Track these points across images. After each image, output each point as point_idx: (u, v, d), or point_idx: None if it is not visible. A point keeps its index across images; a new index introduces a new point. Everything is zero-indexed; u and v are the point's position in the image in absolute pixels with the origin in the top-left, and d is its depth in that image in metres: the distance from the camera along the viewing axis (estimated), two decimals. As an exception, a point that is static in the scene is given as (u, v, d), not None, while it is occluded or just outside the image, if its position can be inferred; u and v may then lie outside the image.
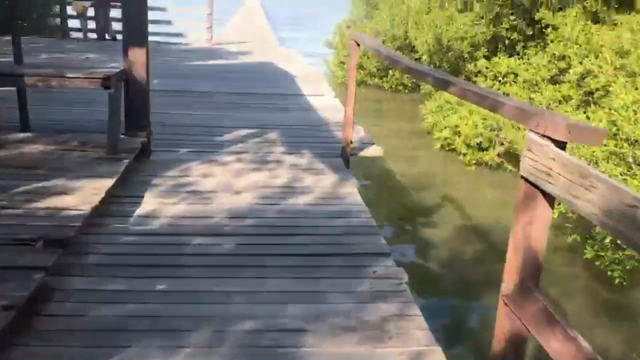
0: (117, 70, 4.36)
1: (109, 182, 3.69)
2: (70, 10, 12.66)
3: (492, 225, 6.88)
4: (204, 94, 7.59)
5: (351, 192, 4.15)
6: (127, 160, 4.12)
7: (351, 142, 4.99)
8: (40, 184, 3.60)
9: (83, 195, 3.47)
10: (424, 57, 13.98)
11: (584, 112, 9.26)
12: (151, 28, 13.17)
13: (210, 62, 10.54)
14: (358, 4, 18.49)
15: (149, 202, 3.79)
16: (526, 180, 1.76)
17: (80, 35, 12.93)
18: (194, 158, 4.75)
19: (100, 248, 3.13)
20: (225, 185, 4.17)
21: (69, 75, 4.04)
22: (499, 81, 11.32)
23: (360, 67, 17.09)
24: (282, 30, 35.55)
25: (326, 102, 7.35)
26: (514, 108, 1.87)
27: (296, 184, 4.28)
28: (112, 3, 12.61)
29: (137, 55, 4.48)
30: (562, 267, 6.09)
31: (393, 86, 16.60)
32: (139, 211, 3.64)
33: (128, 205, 3.71)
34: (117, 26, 13.65)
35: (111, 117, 4.21)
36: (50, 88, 4.28)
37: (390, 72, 16.65)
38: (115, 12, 13.40)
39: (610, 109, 6.43)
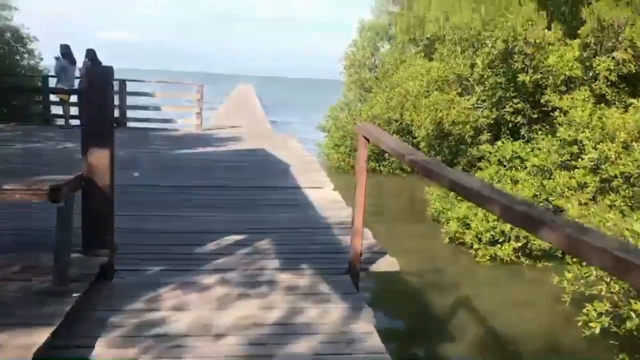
0: (71, 176, 3.46)
1: (45, 333, 2.72)
2: (53, 96, 12.02)
3: (515, 332, 5.90)
4: (189, 189, 6.73)
5: (368, 333, 3.18)
6: (76, 295, 3.17)
7: (361, 255, 4.08)
8: (-51, 339, 2.63)
9: (6, 357, 2.49)
10: (422, 144, 13.38)
11: (602, 199, 8.51)
12: (138, 114, 12.52)
13: (199, 149, 9.78)
14: (351, 87, 18.13)
15: (100, 357, 2.80)
16: None
17: (63, 122, 12.24)
18: (166, 280, 3.79)
19: None
20: (202, 324, 3.19)
21: (5, 187, 3.15)
22: (504, 166, 10.63)
23: (355, 149, 16.47)
24: (275, 112, 35.30)
25: (326, 197, 6.50)
26: None
27: (295, 320, 3.32)
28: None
29: (99, 157, 3.63)
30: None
31: (391, 170, 15.91)
32: (84, 373, 2.65)
33: (70, 364, 2.73)
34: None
35: (60, 237, 3.30)
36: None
37: (387, 154, 16.02)
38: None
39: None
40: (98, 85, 3.62)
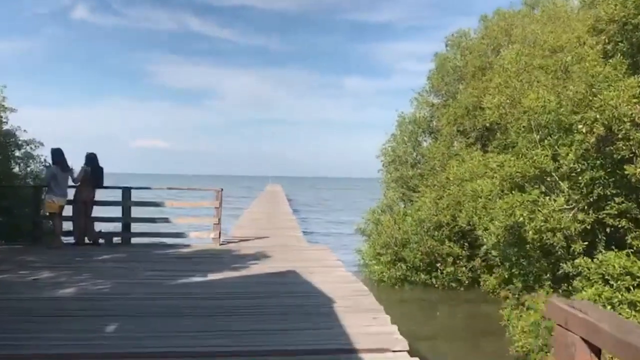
0: None
1: None
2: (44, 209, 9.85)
3: None
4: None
5: None
6: None
7: None
8: None
9: None
10: (494, 253, 10.74)
11: None
12: (145, 227, 10.24)
13: (212, 276, 7.29)
14: (392, 185, 15.77)
15: None
16: None
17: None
18: None
19: None
20: None
21: None
22: (611, 285, 7.93)
23: (401, 259, 13.87)
24: (307, 214, 32.82)
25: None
26: None
27: None
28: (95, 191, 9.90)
29: None
30: None
31: (445, 283, 13.14)
32: None
33: None
34: (102, 226, 10.79)
35: None
36: None
37: (439, 264, 13.32)
38: (103, 210, 10.61)
39: None
40: None
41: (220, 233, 10.31)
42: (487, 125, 13.44)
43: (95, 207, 9.99)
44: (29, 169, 12.20)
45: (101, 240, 9.95)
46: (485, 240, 10.30)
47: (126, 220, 10.13)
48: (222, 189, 10.50)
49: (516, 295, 10.44)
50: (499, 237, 9.75)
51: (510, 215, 8.58)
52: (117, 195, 10.17)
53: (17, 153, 11.60)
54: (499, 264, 11.22)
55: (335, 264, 8.39)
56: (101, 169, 9.93)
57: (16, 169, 11.52)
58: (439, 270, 13.19)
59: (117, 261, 8.36)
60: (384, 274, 13.48)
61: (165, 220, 10.49)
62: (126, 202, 10.08)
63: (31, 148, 12.03)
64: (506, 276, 10.46)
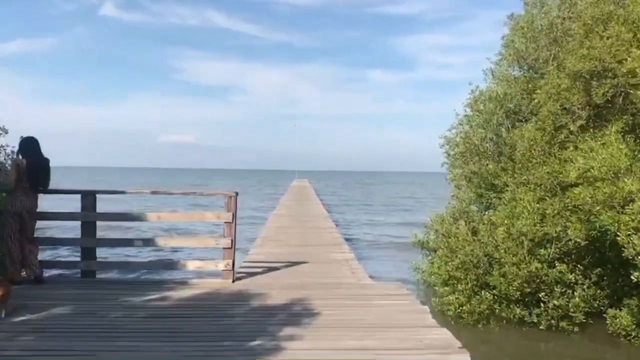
0: None
1: None
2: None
3: None
4: None
5: None
6: None
7: None
8: None
9: None
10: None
11: None
12: (120, 253, 6.44)
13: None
14: (464, 184, 11.83)
15: None
16: None
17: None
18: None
19: None
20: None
21: None
22: None
23: (485, 284, 10.03)
24: (343, 216, 28.08)
25: None
26: None
27: None
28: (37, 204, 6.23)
29: None
30: None
31: (553, 320, 9.23)
32: None
33: None
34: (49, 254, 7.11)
35: None
36: None
37: (542, 294, 9.41)
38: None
39: None
40: None
41: (233, 262, 6.51)
42: (610, 98, 9.49)
43: (38, 223, 6.33)
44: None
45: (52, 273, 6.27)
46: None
47: (87, 242, 6.42)
48: (236, 193, 6.69)
49: None
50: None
51: None
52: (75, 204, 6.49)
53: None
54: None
55: (436, 331, 4.54)
56: (46, 162, 6.26)
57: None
58: (542, 303, 9.26)
59: (51, 327, 4.62)
60: (463, 307, 9.58)
61: (149, 242, 6.75)
62: (87, 215, 6.37)
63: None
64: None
